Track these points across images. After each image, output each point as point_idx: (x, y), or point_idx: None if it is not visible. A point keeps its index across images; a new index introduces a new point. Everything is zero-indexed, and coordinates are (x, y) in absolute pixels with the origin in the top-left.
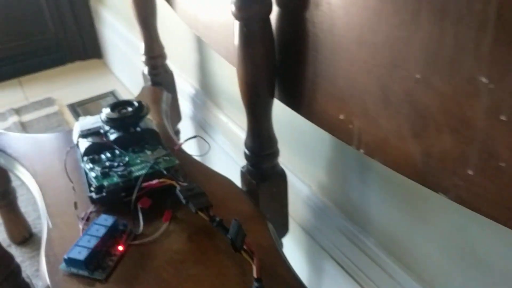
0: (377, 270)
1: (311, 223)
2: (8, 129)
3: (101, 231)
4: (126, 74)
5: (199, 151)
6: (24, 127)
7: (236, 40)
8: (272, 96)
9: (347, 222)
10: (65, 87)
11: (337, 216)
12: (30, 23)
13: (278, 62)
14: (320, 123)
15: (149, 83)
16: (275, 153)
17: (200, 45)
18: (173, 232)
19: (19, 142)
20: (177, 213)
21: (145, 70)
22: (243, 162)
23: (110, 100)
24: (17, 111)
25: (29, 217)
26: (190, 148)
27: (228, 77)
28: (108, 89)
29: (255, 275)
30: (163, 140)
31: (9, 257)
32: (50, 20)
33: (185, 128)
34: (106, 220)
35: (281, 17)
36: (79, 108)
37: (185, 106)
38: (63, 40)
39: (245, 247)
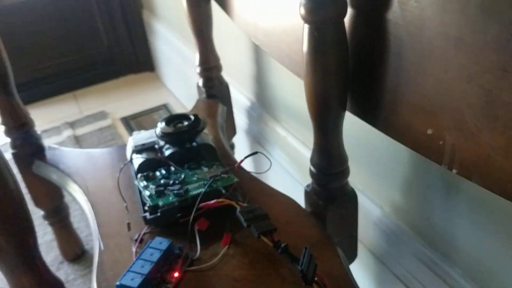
0: None
1: (383, 249)
2: (62, 143)
3: (156, 256)
4: (179, 87)
5: (256, 168)
6: (78, 141)
7: (304, 46)
8: (344, 109)
9: (426, 249)
10: (118, 100)
11: (414, 241)
12: (85, 37)
13: (351, 70)
14: (401, 139)
15: (204, 95)
16: (345, 172)
17: (257, 55)
18: (233, 257)
19: (72, 157)
20: (236, 236)
21: (200, 82)
22: (304, 179)
23: (163, 113)
24: (72, 125)
25: (82, 233)
26: (247, 164)
27: (288, 88)
28: (161, 102)
29: None
30: (220, 156)
31: (58, 283)
32: (104, 34)
33: (240, 142)
34: (161, 243)
35: (357, 19)
36: (132, 122)
37: (240, 119)
38: (117, 53)
39: (316, 278)
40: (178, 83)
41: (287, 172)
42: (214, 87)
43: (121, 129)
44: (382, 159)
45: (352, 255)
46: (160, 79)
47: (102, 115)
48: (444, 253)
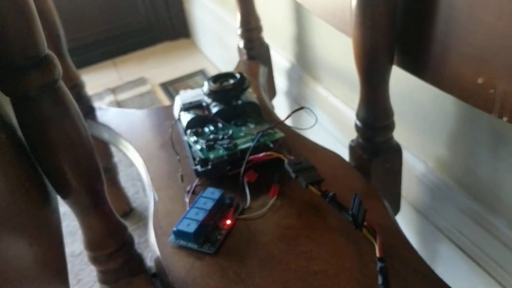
0: (507, 253)
1: (426, 203)
2: None
3: (209, 204)
4: (215, 52)
5: (298, 126)
6: (119, 106)
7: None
8: (391, 62)
9: (471, 202)
10: (156, 67)
11: (459, 195)
12: (123, 6)
13: (399, 21)
14: (450, 90)
15: (245, 57)
16: (390, 126)
17: (298, 15)
18: (281, 207)
19: (121, 117)
20: (284, 188)
21: (241, 43)
22: (345, 138)
23: (200, 79)
24: (113, 91)
25: (128, 192)
26: (289, 122)
27: (330, 47)
28: (197, 68)
29: (378, 254)
30: (264, 114)
31: (123, 227)
32: (141, 3)
33: (280, 104)
34: (213, 193)
35: None
36: (170, 87)
37: (280, 82)
38: (153, 21)
39: (365, 224)
40: (214, 49)
41: (328, 131)
42: (255, 49)
43: (160, 94)
44: (427, 115)
45: (395, 210)
46: (196, 45)
47: (141, 81)
48: (489, 205)
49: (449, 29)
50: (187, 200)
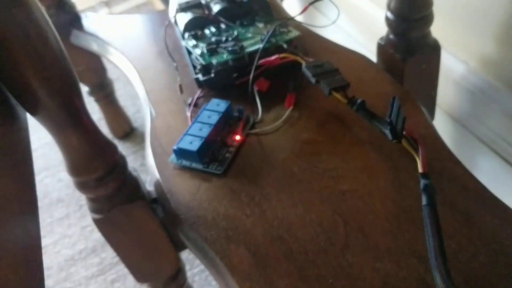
0: None
1: (465, 110)
2: None
3: (214, 118)
4: None
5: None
6: None
7: None
8: None
9: None
10: None
11: (507, 98)
12: None
13: None
14: None
15: None
16: (429, 17)
17: None
18: (299, 119)
19: (111, 24)
20: (301, 97)
21: None
22: (367, 40)
23: None
24: (107, 4)
25: (129, 111)
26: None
27: None
28: None
29: (421, 169)
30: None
31: (111, 146)
32: None
33: (290, 1)
34: (218, 105)
35: None
36: None
37: None
38: None
39: (405, 134)
40: None
41: (347, 32)
42: None
43: (159, 5)
44: (471, 5)
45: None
46: None
47: None
48: None
49: None
50: (188, 114)
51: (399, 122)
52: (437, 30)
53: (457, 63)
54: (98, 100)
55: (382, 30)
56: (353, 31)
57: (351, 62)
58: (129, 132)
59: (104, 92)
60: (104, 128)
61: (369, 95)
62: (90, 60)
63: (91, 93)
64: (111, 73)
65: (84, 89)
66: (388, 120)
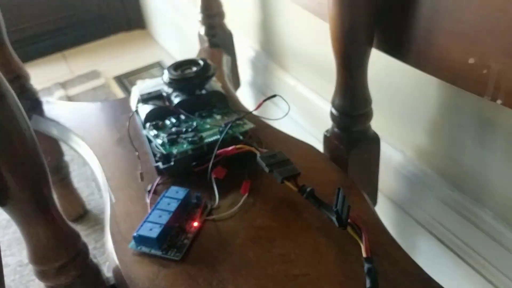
0: (493, 245)
1: (404, 195)
2: None
3: (173, 205)
4: (173, 43)
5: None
6: (71, 101)
7: None
8: (371, 43)
9: (453, 192)
10: (110, 59)
11: (440, 185)
12: None
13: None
14: (436, 72)
15: (206, 44)
16: (369, 114)
17: (263, 0)
18: (254, 205)
19: (72, 111)
20: (256, 184)
21: (202, 30)
22: (315, 129)
23: (157, 71)
24: (63, 85)
25: (82, 193)
26: (257, 113)
27: (299, 33)
28: (154, 59)
29: (364, 254)
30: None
31: (75, 235)
32: None
33: (244, 95)
34: (178, 192)
35: None
36: (125, 80)
37: (243, 71)
38: (106, 11)
39: (349, 221)
40: (172, 39)
41: (297, 123)
42: (217, 36)
43: (115, 88)
44: (405, 100)
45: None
46: (152, 36)
47: (94, 75)
48: (473, 195)
49: (437, 4)
50: (148, 200)
51: (344, 210)
52: (377, 123)
53: (395, 152)
54: (53, 183)
55: (328, 121)
56: (302, 121)
57: (301, 151)
58: (82, 214)
59: (60, 175)
60: None
61: (317, 183)
62: (47, 143)
63: None
64: (67, 154)
65: None
66: (335, 209)
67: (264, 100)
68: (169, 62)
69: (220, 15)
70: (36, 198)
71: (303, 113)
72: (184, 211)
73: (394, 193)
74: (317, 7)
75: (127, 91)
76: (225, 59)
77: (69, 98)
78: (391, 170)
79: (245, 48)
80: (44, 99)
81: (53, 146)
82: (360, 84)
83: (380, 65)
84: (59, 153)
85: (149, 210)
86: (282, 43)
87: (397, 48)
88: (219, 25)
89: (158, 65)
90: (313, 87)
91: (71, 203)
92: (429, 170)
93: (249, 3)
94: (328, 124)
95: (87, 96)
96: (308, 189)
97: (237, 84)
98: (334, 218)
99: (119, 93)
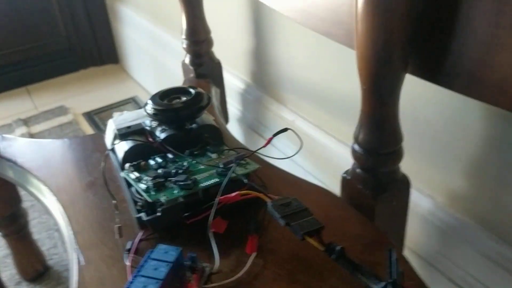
0: None
1: (433, 248)
2: None
3: (162, 271)
4: (150, 78)
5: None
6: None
7: None
8: (406, 67)
9: (496, 244)
10: (79, 95)
11: (480, 235)
12: (39, 24)
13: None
14: (497, 99)
15: (192, 75)
16: (399, 152)
17: (255, 26)
18: (265, 268)
19: (33, 149)
20: (264, 239)
21: (187, 59)
22: (320, 171)
23: (131, 106)
24: (25, 122)
25: (43, 246)
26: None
27: (298, 62)
28: (128, 95)
29: None
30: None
31: None
32: (61, 21)
33: (232, 132)
34: (167, 252)
35: None
36: (96, 117)
37: (231, 105)
38: (76, 43)
39: None
40: (148, 73)
41: (296, 164)
42: (204, 65)
43: (85, 125)
44: (437, 137)
45: None
46: (126, 71)
47: (61, 111)
48: None
49: (499, 17)
50: (128, 263)
51: (399, 279)
52: (401, 163)
53: (422, 198)
54: (6, 235)
55: (337, 161)
56: (303, 162)
57: (315, 197)
58: (42, 272)
59: (15, 226)
60: (10, 267)
61: (341, 237)
62: (2, 188)
63: None
64: (26, 199)
65: None
66: (390, 281)
67: (274, 135)
68: (144, 97)
69: (208, 42)
70: None
71: (304, 152)
72: (176, 277)
73: (421, 246)
74: (331, 28)
75: (98, 129)
76: (214, 91)
77: (32, 136)
78: (417, 219)
79: (233, 80)
80: None
81: (8, 191)
82: (391, 115)
83: (405, 95)
84: (16, 200)
85: (129, 277)
86: (278, 73)
87: (440, 72)
88: (207, 53)
89: (133, 100)
90: (315, 122)
91: (28, 258)
92: (466, 218)
93: (239, 30)
94: (336, 164)
95: (52, 134)
96: (338, 248)
97: (225, 120)
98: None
99: (89, 131)
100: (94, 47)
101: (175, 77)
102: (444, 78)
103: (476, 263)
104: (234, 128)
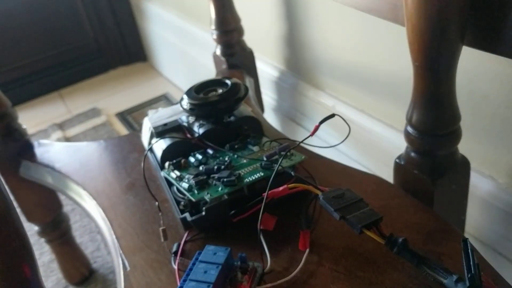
0: None
1: (496, 232)
2: None
3: (212, 274)
4: (180, 73)
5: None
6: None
7: None
8: (463, 38)
9: None
10: (110, 95)
11: None
12: (67, 29)
13: None
14: None
15: (224, 66)
16: (458, 133)
17: (288, 9)
18: (321, 265)
19: (69, 154)
20: (316, 234)
21: (218, 50)
22: (363, 158)
23: (164, 104)
24: (61, 126)
25: (87, 249)
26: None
27: (336, 43)
28: (159, 92)
29: None
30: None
31: None
32: (88, 24)
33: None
34: (216, 254)
35: None
36: (129, 117)
37: (265, 95)
38: (104, 44)
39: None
40: (178, 69)
41: (340, 152)
42: (236, 55)
43: (118, 126)
44: (496, 114)
45: None
46: (155, 68)
47: (94, 113)
48: None
49: None
50: (175, 266)
51: (477, 273)
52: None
53: (482, 179)
54: (50, 241)
55: (384, 146)
56: (347, 150)
57: (366, 185)
58: (87, 275)
59: (58, 231)
60: (56, 272)
61: (401, 228)
62: (42, 194)
63: (42, 233)
64: (66, 203)
65: (34, 228)
66: (469, 276)
67: (321, 122)
68: (176, 94)
69: (239, 31)
70: (14, 282)
71: (348, 139)
72: (227, 279)
73: (483, 231)
74: (371, 3)
75: (132, 128)
76: (248, 81)
77: (68, 140)
78: (477, 202)
79: (267, 68)
80: (36, 141)
81: (49, 197)
82: (449, 92)
83: (460, 70)
84: (57, 205)
85: (178, 281)
86: (314, 58)
87: (500, 41)
88: (238, 42)
89: (164, 98)
90: (359, 107)
91: (73, 263)
92: None
93: (270, 15)
94: (385, 150)
95: (87, 137)
96: (400, 240)
97: (261, 110)
98: (448, 282)
99: (123, 131)
100: (122, 46)
101: (206, 71)
102: (504, 47)
103: None
104: (270, 119)
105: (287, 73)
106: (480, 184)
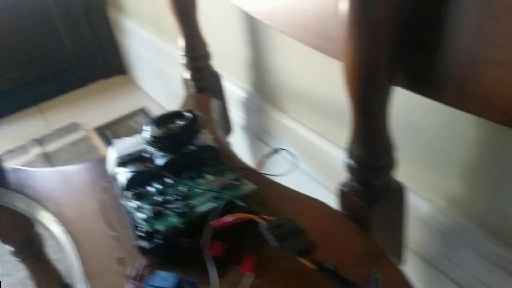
0: None
1: (436, 250)
2: (30, 162)
3: None
4: (157, 88)
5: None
6: (48, 159)
7: (343, 2)
8: (392, 81)
9: (498, 246)
10: (89, 110)
11: (480, 238)
12: (45, 43)
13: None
14: (484, 112)
15: (193, 89)
16: (392, 163)
17: (253, 37)
18: (263, 287)
19: (41, 179)
20: (263, 258)
21: (186, 74)
22: (321, 176)
23: (141, 118)
24: (40, 142)
25: (61, 265)
26: (253, 165)
27: (296, 70)
28: (137, 106)
29: None
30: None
31: None
32: (67, 38)
33: (237, 141)
34: (166, 279)
35: None
36: (107, 131)
37: (235, 114)
38: (83, 58)
39: None
40: (155, 84)
41: (303, 172)
42: (204, 79)
43: (97, 141)
44: (431, 142)
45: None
46: (134, 81)
47: (73, 127)
48: None
49: (484, 27)
50: None
51: None
52: (398, 169)
53: (421, 201)
54: (24, 260)
55: (338, 166)
56: (308, 169)
57: (313, 211)
58: None
59: (31, 250)
60: None
61: (337, 251)
62: (15, 216)
63: (16, 253)
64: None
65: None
66: None
67: (266, 158)
68: (154, 108)
69: (206, 56)
70: None
71: (308, 159)
72: None
73: (425, 248)
74: (318, 40)
75: (110, 143)
76: (214, 104)
77: (46, 155)
78: (419, 222)
79: (236, 90)
80: (8, 166)
81: (22, 218)
82: (381, 129)
83: (398, 102)
84: (29, 226)
85: None
86: (277, 82)
87: (428, 85)
88: (206, 67)
89: (142, 112)
90: (317, 130)
91: (47, 279)
92: (465, 221)
93: (237, 41)
94: (338, 169)
95: (66, 152)
96: (331, 267)
97: (228, 129)
98: None
99: (101, 146)
100: (101, 60)
101: (180, 89)
102: (431, 91)
103: (478, 265)
104: (239, 137)
105: (254, 95)
106: (420, 205)
